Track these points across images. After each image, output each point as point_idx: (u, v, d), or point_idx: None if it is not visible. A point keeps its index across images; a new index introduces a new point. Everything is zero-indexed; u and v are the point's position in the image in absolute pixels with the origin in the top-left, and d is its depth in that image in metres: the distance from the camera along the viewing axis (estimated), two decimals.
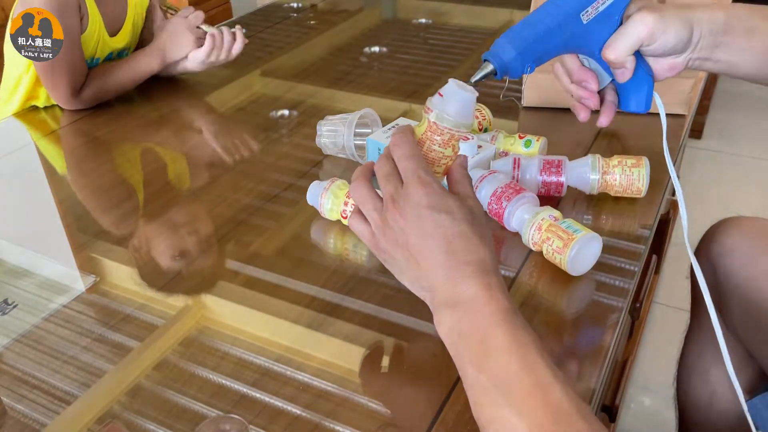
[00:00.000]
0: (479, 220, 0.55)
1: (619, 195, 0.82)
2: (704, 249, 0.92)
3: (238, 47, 1.21)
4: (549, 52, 0.64)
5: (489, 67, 0.63)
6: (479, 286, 0.51)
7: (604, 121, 0.71)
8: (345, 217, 0.80)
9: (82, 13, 1.12)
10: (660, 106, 0.69)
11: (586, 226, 0.80)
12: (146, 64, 1.19)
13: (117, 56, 1.25)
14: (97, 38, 1.17)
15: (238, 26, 1.24)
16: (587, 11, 0.63)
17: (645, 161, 0.80)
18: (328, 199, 0.81)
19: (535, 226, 0.73)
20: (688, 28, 0.65)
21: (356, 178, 0.58)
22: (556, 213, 0.73)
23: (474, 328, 0.50)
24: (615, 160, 0.81)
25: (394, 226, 0.54)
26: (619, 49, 0.65)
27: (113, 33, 1.21)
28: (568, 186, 0.83)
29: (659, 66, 0.69)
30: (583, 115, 0.72)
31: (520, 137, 0.89)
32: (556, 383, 0.46)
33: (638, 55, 0.67)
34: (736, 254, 0.88)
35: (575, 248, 0.68)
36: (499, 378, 0.47)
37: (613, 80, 0.69)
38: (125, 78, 1.19)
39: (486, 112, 0.97)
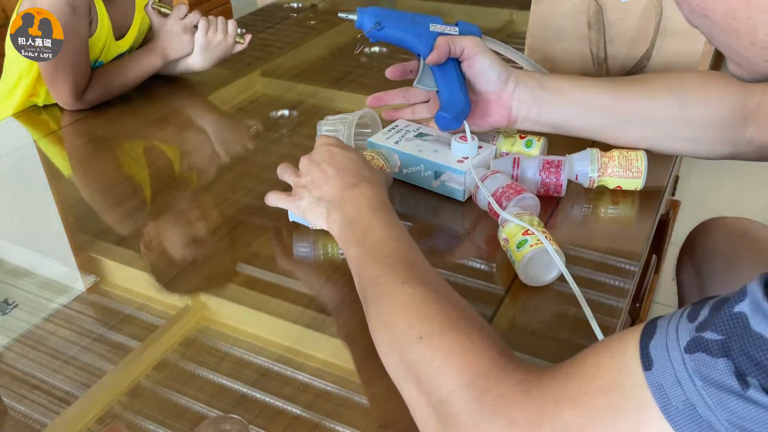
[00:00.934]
0: (361, 157, 0.75)
1: (620, 183, 0.82)
2: (688, 251, 0.93)
3: (231, 26, 1.21)
4: (397, 29, 0.84)
5: (353, 16, 0.84)
6: (362, 187, 0.68)
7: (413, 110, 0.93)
8: None
9: (91, 16, 1.12)
10: (468, 129, 0.83)
11: (587, 224, 0.80)
12: (147, 63, 1.19)
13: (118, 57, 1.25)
14: (104, 42, 1.17)
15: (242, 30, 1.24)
16: (436, 26, 0.84)
17: (642, 152, 0.82)
18: None
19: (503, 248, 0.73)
20: (505, 68, 0.82)
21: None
22: (506, 232, 0.71)
23: (356, 213, 0.66)
24: (614, 151, 0.83)
25: (307, 168, 0.74)
26: (439, 46, 0.81)
27: (119, 37, 1.21)
28: (570, 181, 0.83)
29: (488, 102, 0.84)
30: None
31: (521, 137, 0.89)
32: (418, 253, 0.62)
33: (458, 78, 0.83)
34: (718, 256, 0.89)
35: (522, 276, 0.69)
36: (372, 247, 0.62)
37: (438, 93, 0.85)
38: (128, 77, 1.19)
39: None
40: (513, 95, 0.82)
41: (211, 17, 1.21)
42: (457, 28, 0.85)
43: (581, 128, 0.83)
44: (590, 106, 0.81)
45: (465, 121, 0.83)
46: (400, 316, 0.54)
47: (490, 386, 0.46)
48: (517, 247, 0.69)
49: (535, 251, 0.67)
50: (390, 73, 0.89)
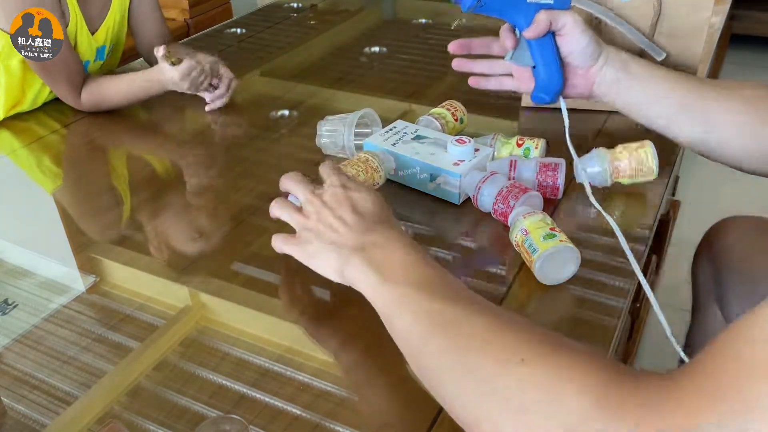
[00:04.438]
0: (381, 200, 0.67)
1: (632, 180, 0.83)
2: (706, 247, 0.93)
3: (233, 84, 1.17)
4: (494, 4, 0.80)
5: None
6: (385, 231, 0.62)
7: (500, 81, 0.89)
8: None
9: (62, 8, 1.12)
10: (563, 103, 0.83)
11: (587, 227, 0.80)
12: (145, 89, 1.14)
13: (98, 55, 1.24)
14: (76, 35, 1.16)
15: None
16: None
17: (649, 143, 0.82)
18: None
19: (514, 242, 0.73)
20: (598, 45, 0.80)
21: (285, 177, 0.71)
22: (527, 223, 0.72)
23: (385, 256, 0.60)
24: (619, 147, 0.83)
25: (316, 211, 0.66)
26: (540, 21, 0.78)
27: (93, 31, 1.20)
28: (578, 183, 0.83)
29: (575, 76, 0.82)
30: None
31: (519, 144, 0.89)
32: (470, 291, 0.56)
33: (555, 55, 0.80)
34: (735, 252, 0.89)
35: (536, 267, 0.69)
36: (420, 284, 0.56)
37: (533, 69, 0.82)
38: (124, 91, 1.15)
39: (459, 105, 1.00)
40: (599, 72, 0.81)
41: (217, 75, 1.16)
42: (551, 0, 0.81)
43: (650, 117, 0.82)
44: (667, 98, 0.79)
45: (561, 97, 0.82)
46: (489, 343, 0.49)
47: (624, 398, 0.42)
48: (543, 239, 0.69)
49: (565, 246, 0.68)
50: (453, 47, 0.86)
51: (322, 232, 0.65)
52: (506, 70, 0.88)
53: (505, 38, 0.82)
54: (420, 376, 0.52)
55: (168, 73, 1.10)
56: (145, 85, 1.14)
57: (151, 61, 1.29)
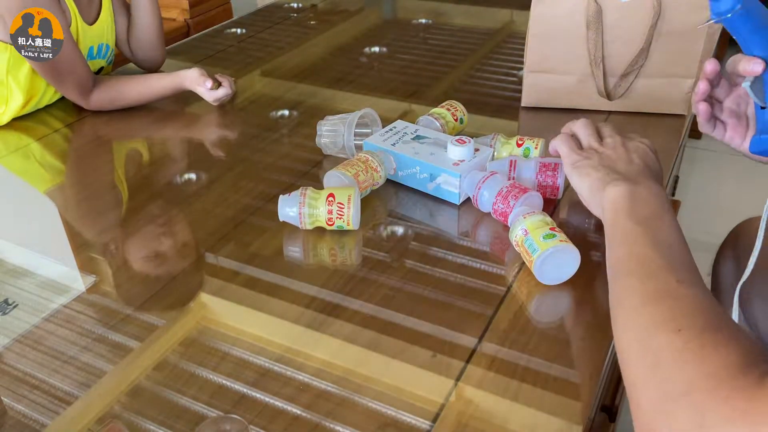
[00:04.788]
0: (656, 157, 0.74)
1: None
2: (731, 246, 0.93)
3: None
4: (754, 20, 0.67)
5: None
6: (655, 185, 0.67)
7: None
8: (331, 224, 0.79)
9: (63, 6, 1.12)
10: None
11: (586, 227, 0.80)
12: (164, 85, 1.18)
13: (97, 52, 1.24)
14: (76, 28, 1.16)
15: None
16: None
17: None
18: (308, 208, 0.79)
19: (514, 242, 0.73)
20: None
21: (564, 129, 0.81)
22: (527, 223, 0.72)
23: (649, 199, 0.65)
24: None
25: (614, 144, 0.74)
26: None
27: (91, 23, 1.21)
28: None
29: None
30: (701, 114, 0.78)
31: (519, 144, 0.89)
32: (693, 261, 0.59)
33: None
34: (761, 251, 0.89)
35: (536, 267, 0.69)
36: (655, 232, 0.61)
37: (758, 111, 0.71)
38: (140, 90, 1.18)
39: (459, 105, 1.00)
40: None
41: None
42: None
43: None
44: None
45: None
46: (664, 304, 0.53)
47: (728, 382, 0.45)
48: (543, 239, 0.69)
49: (565, 246, 0.68)
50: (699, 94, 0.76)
51: (605, 157, 0.72)
52: (721, 96, 0.78)
53: (753, 63, 0.71)
54: (610, 302, 0.58)
55: (206, 95, 1.16)
56: (165, 90, 1.18)
57: (144, 58, 1.30)
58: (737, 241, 0.93)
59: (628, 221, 0.63)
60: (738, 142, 0.78)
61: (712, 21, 0.68)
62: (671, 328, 0.51)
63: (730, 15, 0.66)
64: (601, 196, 0.68)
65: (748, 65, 0.70)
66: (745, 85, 0.71)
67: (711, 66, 0.74)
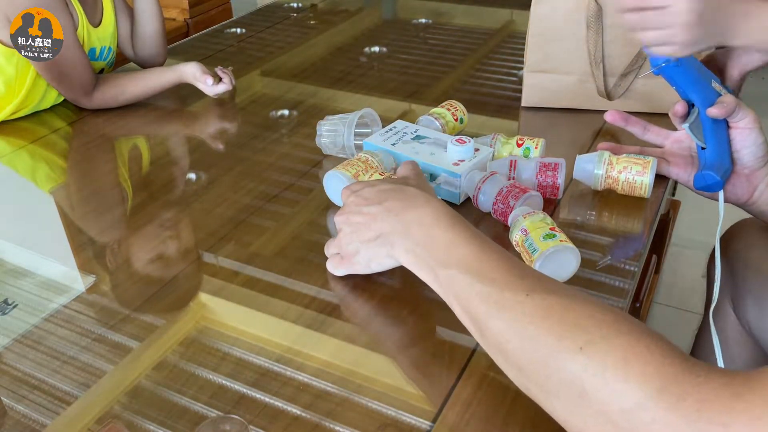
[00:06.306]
0: (413, 181, 0.68)
1: (625, 193, 0.83)
2: (724, 247, 0.93)
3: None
4: (689, 73, 0.81)
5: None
6: (419, 207, 0.62)
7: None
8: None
9: (70, 9, 1.12)
10: (721, 200, 0.80)
11: (586, 227, 0.80)
12: (165, 78, 1.19)
13: (99, 54, 1.24)
14: (84, 30, 1.17)
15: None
16: (716, 84, 0.81)
17: (652, 163, 0.81)
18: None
19: (514, 242, 0.73)
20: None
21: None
22: (527, 223, 0.72)
23: (430, 236, 0.60)
24: (622, 164, 0.82)
25: (343, 222, 0.68)
26: (729, 104, 0.78)
27: (95, 25, 1.21)
28: (575, 180, 0.84)
29: (738, 176, 0.80)
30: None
31: (519, 144, 0.89)
32: (521, 263, 0.56)
33: (728, 141, 0.79)
34: (754, 252, 0.89)
35: (536, 267, 0.68)
36: (467, 265, 0.56)
37: (700, 152, 0.81)
38: (141, 84, 1.19)
39: (459, 105, 1.00)
40: (765, 178, 0.80)
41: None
42: (726, 90, 0.82)
43: None
44: None
45: (720, 192, 0.80)
46: (541, 328, 0.48)
47: (687, 391, 0.41)
48: (543, 239, 0.69)
49: (565, 246, 0.68)
50: (611, 117, 0.88)
51: (358, 235, 0.66)
52: (658, 142, 0.89)
53: (680, 107, 0.82)
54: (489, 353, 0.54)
55: (206, 89, 1.18)
56: (166, 84, 1.20)
57: (146, 58, 1.30)
58: (729, 243, 0.94)
59: (437, 271, 0.58)
60: (685, 178, 0.84)
61: (651, 72, 0.81)
62: (569, 349, 0.46)
63: (664, 64, 0.79)
64: (404, 263, 0.64)
65: (674, 113, 0.82)
66: (685, 126, 0.81)
67: (610, 117, 0.87)
